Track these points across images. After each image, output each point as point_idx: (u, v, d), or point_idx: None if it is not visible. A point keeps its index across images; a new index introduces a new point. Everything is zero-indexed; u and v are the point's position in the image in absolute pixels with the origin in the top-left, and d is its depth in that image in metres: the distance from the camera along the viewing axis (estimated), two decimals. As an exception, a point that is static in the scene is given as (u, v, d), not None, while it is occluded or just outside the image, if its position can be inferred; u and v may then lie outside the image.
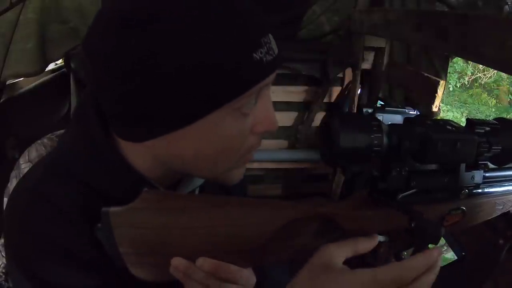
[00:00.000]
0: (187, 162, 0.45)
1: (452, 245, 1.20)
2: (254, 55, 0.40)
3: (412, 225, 0.42)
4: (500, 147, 0.49)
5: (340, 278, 0.39)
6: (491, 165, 0.53)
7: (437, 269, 0.39)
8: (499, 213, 0.55)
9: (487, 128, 0.49)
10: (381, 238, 0.47)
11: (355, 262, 0.45)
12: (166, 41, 0.38)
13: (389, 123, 0.45)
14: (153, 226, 0.40)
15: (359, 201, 0.47)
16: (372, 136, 0.43)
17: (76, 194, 0.45)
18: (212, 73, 0.39)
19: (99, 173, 0.46)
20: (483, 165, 0.50)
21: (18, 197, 0.47)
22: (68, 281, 0.44)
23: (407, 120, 0.47)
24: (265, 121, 0.46)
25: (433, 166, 0.49)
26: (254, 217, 0.42)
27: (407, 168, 0.46)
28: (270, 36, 0.43)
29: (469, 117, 0.50)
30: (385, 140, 0.43)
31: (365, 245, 0.44)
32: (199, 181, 0.53)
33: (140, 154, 0.46)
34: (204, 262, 0.41)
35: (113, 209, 0.40)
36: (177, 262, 0.41)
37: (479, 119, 0.50)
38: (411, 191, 0.46)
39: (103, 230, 0.40)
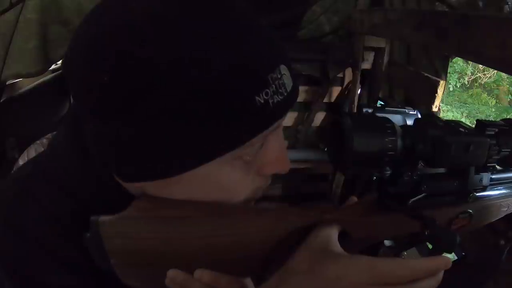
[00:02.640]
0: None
1: (452, 245, 1.20)
2: (257, 98, 0.33)
3: (426, 233, 0.41)
4: (509, 149, 0.48)
5: (339, 261, 0.36)
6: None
7: (440, 276, 0.37)
8: (503, 215, 0.54)
9: (497, 130, 0.48)
10: (387, 242, 0.46)
11: None
12: (155, 80, 0.32)
13: (402, 124, 0.43)
14: (146, 236, 0.38)
15: (366, 206, 0.45)
16: (386, 139, 0.41)
17: (63, 195, 0.43)
18: (201, 120, 0.32)
19: (86, 183, 0.43)
20: (491, 168, 0.50)
21: (6, 189, 0.45)
22: (49, 279, 0.41)
23: (419, 121, 0.46)
24: (275, 163, 0.40)
25: (442, 169, 0.48)
26: (258, 225, 0.41)
27: (418, 172, 0.45)
28: (283, 68, 0.35)
29: (479, 119, 0.49)
30: (399, 143, 0.42)
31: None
32: None
33: None
34: (203, 274, 0.38)
35: (102, 218, 0.37)
36: (174, 273, 0.38)
37: (489, 121, 0.49)
38: (421, 196, 0.45)
39: (92, 239, 0.37)
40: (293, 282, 0.36)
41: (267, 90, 0.33)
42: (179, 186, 0.39)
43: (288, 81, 0.36)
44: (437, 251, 0.41)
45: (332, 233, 0.40)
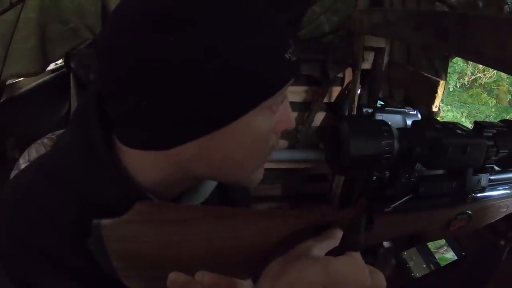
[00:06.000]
0: (212, 167, 0.44)
1: (452, 245, 1.20)
2: (285, 55, 0.42)
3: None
4: (507, 151, 0.48)
5: (299, 263, 0.38)
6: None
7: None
8: (502, 215, 0.54)
9: (495, 131, 0.48)
10: (386, 243, 0.46)
11: None
12: (209, 43, 0.38)
13: (399, 127, 0.43)
14: (147, 239, 0.39)
15: (364, 208, 0.45)
16: (383, 142, 0.41)
17: (66, 200, 0.43)
18: (253, 73, 0.40)
19: (93, 182, 0.44)
20: (489, 169, 0.49)
21: (8, 194, 0.46)
22: (50, 286, 0.42)
23: (416, 123, 0.46)
24: (286, 120, 0.47)
25: (440, 171, 0.48)
26: (259, 228, 0.41)
27: (416, 174, 0.45)
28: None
29: (477, 120, 0.49)
30: (396, 145, 0.42)
31: (332, 243, 0.43)
32: (201, 197, 0.52)
33: (145, 165, 0.44)
34: (204, 276, 0.39)
35: (104, 221, 0.38)
36: (175, 276, 0.38)
37: (486, 122, 0.49)
38: (404, 199, 0.45)
39: (95, 243, 0.38)
40: (263, 286, 0.38)
41: (290, 50, 0.43)
42: (219, 142, 0.42)
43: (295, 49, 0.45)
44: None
45: (315, 244, 0.41)
